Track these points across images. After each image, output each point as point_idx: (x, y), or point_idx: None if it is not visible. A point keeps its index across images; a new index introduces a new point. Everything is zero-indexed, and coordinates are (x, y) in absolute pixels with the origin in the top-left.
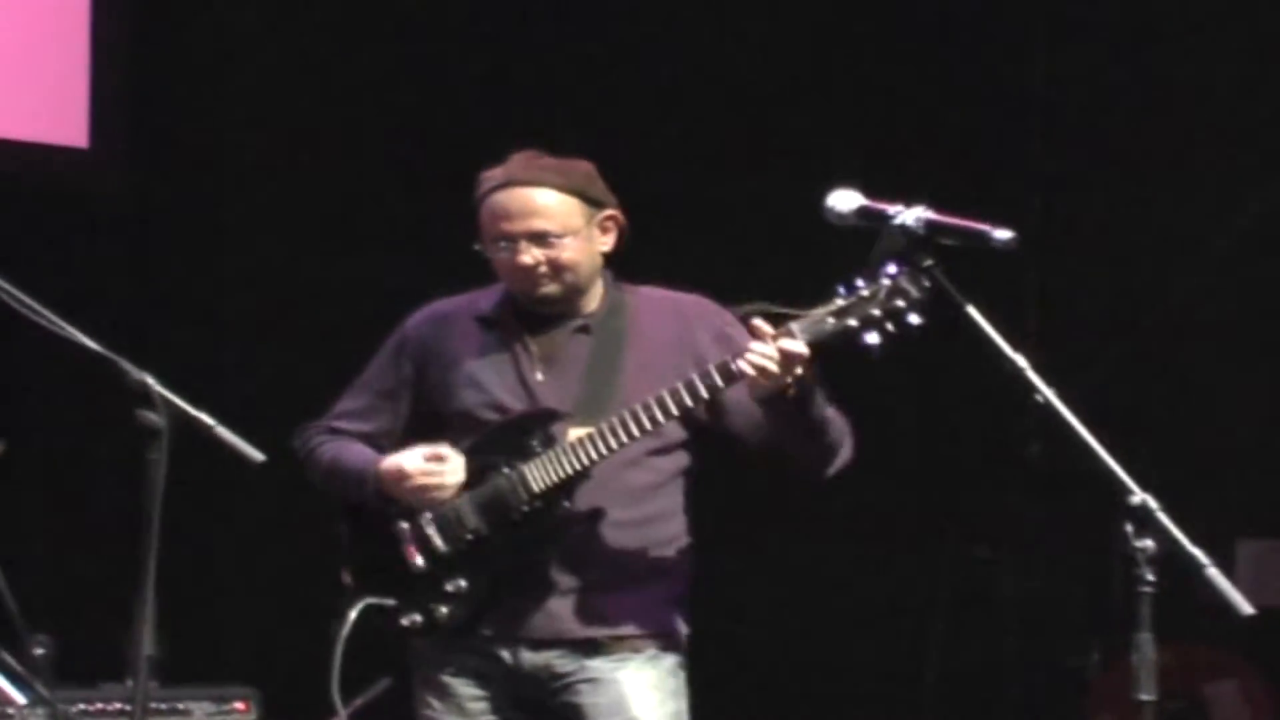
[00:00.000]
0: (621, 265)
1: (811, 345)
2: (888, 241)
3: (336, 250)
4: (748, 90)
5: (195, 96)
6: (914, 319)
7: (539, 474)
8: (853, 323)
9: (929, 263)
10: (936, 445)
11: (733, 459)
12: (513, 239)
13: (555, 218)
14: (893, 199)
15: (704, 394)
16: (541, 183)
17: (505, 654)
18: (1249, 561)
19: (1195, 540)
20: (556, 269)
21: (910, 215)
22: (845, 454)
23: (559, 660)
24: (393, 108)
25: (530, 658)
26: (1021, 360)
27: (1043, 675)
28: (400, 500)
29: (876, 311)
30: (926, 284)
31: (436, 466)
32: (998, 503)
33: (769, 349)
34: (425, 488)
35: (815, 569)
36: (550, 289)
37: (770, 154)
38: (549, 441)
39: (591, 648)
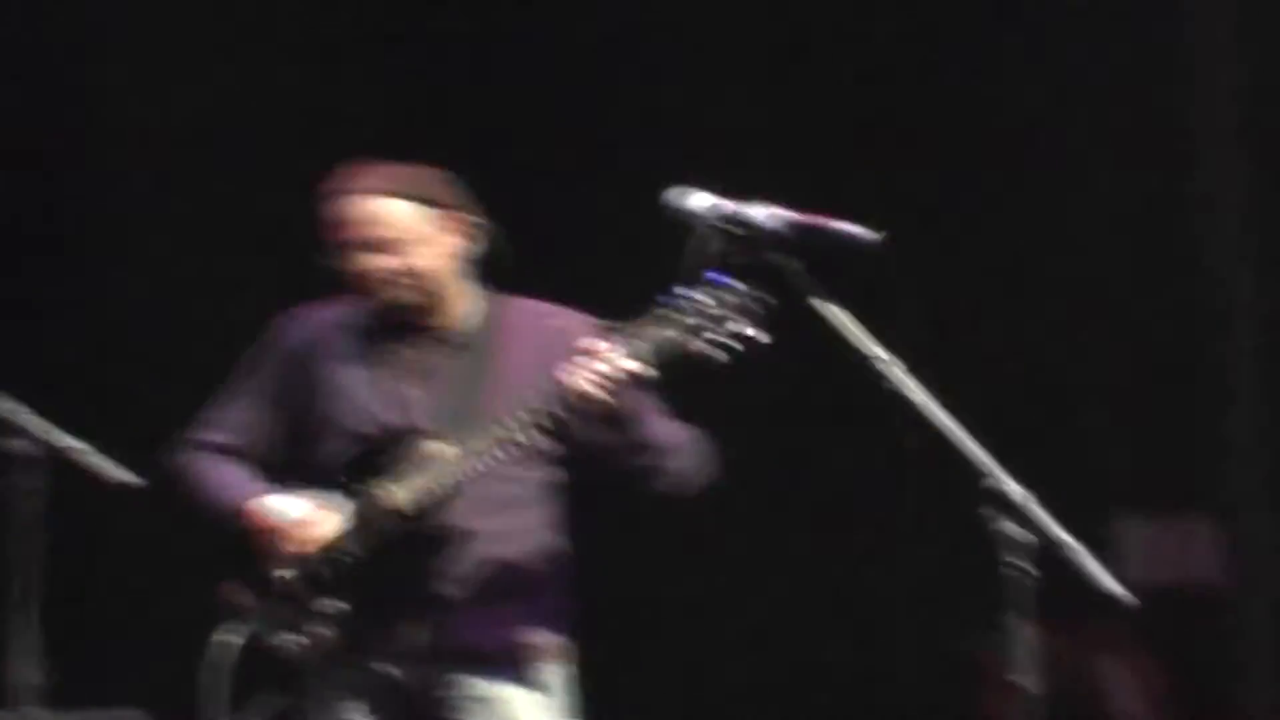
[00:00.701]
0: (500, 276)
1: (640, 358)
2: (708, 245)
3: (211, 257)
4: (601, 91)
5: (57, 101)
6: (738, 328)
7: (405, 492)
8: (677, 334)
9: (785, 260)
10: (819, 438)
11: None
12: (353, 247)
13: (392, 223)
14: (751, 198)
15: (555, 415)
16: (377, 190)
17: (388, 671)
18: (1129, 539)
19: (1075, 520)
20: (401, 274)
21: (767, 214)
22: (688, 473)
23: (442, 676)
24: (266, 102)
25: (413, 673)
26: (883, 355)
27: (935, 660)
28: (261, 547)
29: (700, 321)
30: (747, 289)
31: (311, 526)
32: (885, 491)
33: (594, 364)
34: (292, 547)
35: (709, 564)
36: (400, 294)
37: (625, 157)
38: (413, 459)
39: (474, 663)
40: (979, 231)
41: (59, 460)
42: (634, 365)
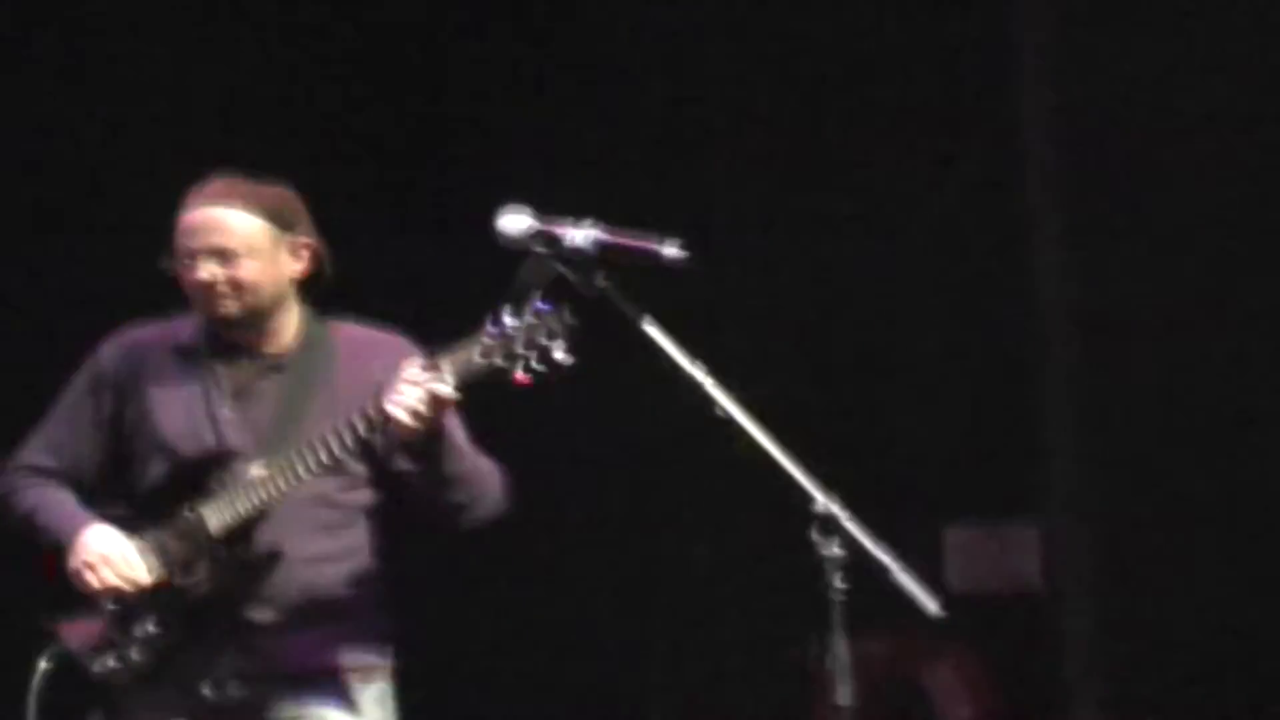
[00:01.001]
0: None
1: (460, 384)
2: (536, 270)
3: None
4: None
5: None
6: (560, 355)
7: (217, 515)
8: (500, 361)
9: (602, 282)
10: (649, 445)
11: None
12: (194, 255)
13: (236, 235)
14: (570, 216)
15: (359, 436)
16: (228, 202)
17: (208, 691)
18: (957, 549)
19: (901, 531)
20: (235, 287)
21: (580, 235)
22: (487, 508)
23: (260, 696)
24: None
25: (234, 693)
26: (700, 374)
27: (766, 668)
28: (80, 575)
29: (522, 349)
30: (570, 320)
31: (129, 568)
32: (710, 499)
33: (414, 391)
34: (111, 585)
35: (538, 575)
36: (229, 307)
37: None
38: (228, 481)
39: (295, 683)
40: (800, 242)
41: None
42: (445, 391)
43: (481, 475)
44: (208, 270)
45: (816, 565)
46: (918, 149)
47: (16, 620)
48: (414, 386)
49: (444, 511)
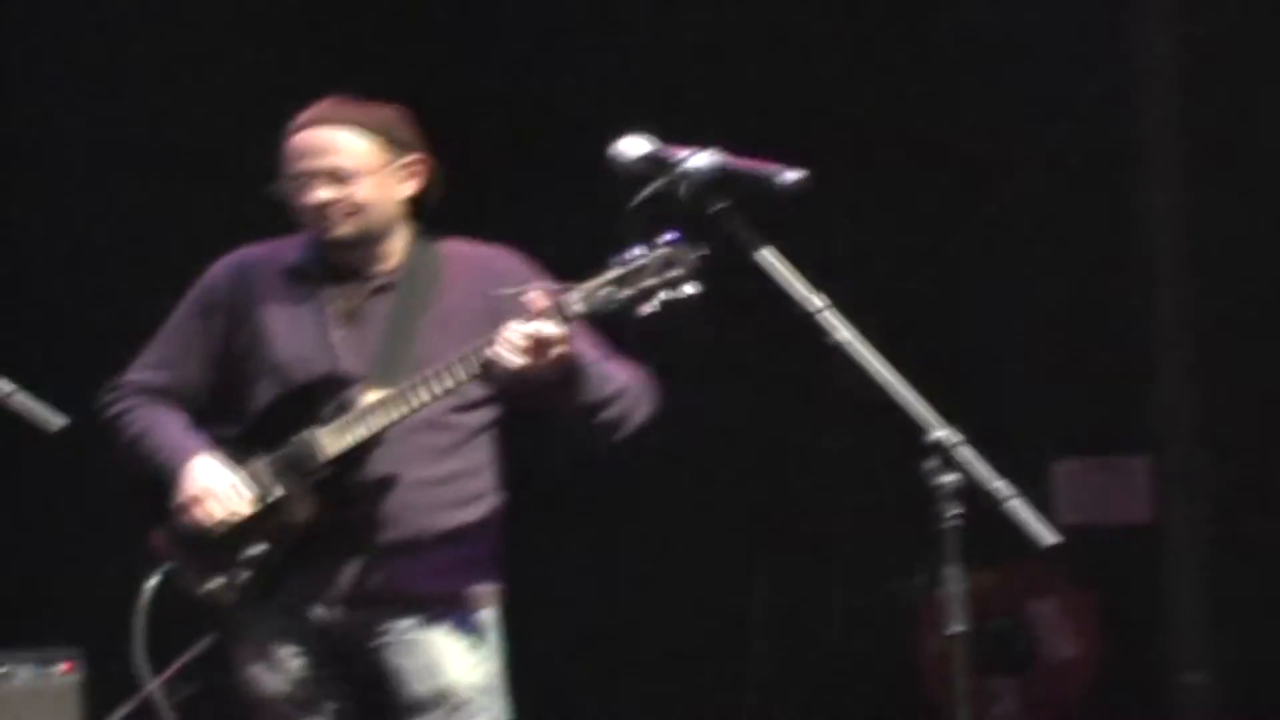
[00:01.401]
0: (435, 219)
1: (589, 315)
2: (646, 192)
3: (145, 198)
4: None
5: None
6: (689, 289)
7: (332, 439)
8: (629, 293)
9: (722, 205)
10: (758, 379)
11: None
12: (306, 176)
13: (350, 155)
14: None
15: (472, 374)
16: (341, 122)
17: (316, 613)
18: (1065, 481)
19: (1010, 463)
20: (349, 208)
21: (698, 158)
22: (635, 421)
23: (370, 619)
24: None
25: (341, 616)
26: (818, 301)
27: (869, 600)
28: (185, 509)
29: (652, 281)
30: (701, 253)
31: (232, 502)
32: (821, 432)
33: (522, 331)
34: (208, 518)
35: (644, 516)
36: (343, 229)
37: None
38: (343, 405)
39: (402, 606)
40: (909, 177)
41: None
42: (551, 331)
43: (626, 391)
44: (321, 192)
45: (926, 501)
46: (1026, 91)
47: (133, 533)
48: (519, 328)
49: (592, 432)
